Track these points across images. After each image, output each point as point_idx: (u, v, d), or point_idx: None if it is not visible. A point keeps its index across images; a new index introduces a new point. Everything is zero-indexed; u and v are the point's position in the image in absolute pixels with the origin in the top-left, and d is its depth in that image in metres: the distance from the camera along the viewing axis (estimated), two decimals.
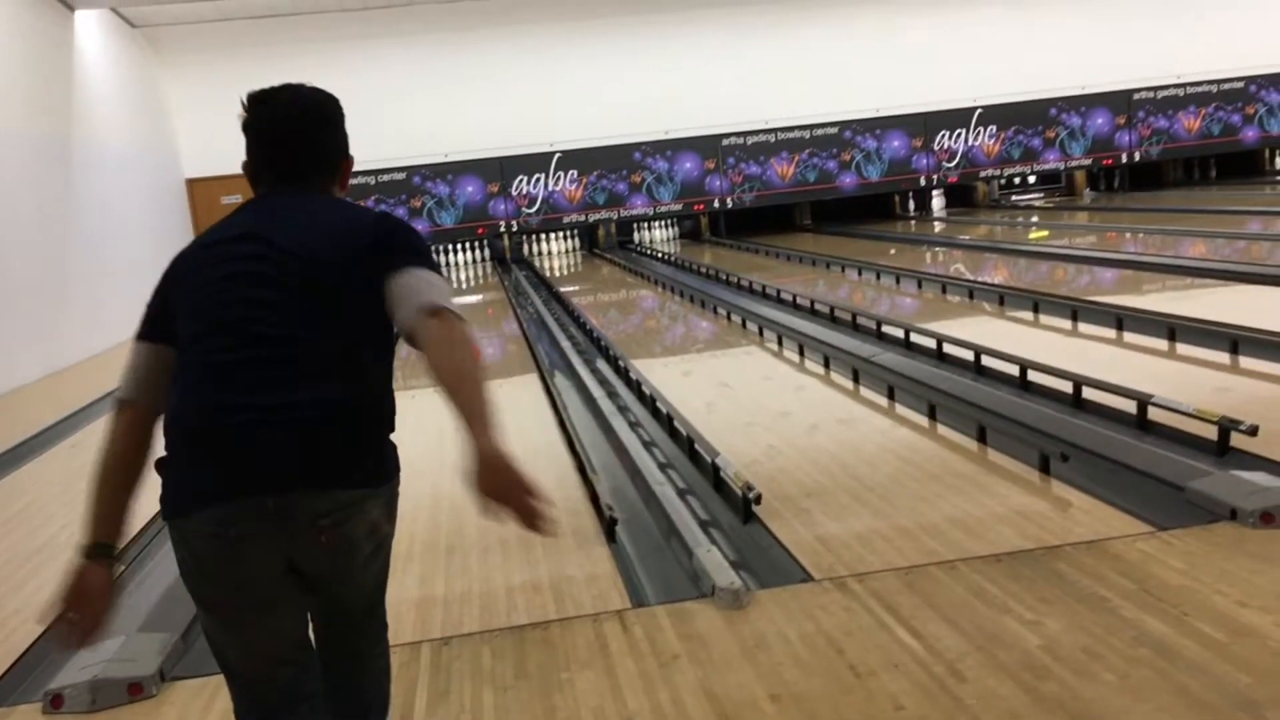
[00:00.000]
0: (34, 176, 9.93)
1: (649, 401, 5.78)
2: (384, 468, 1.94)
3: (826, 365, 6.41)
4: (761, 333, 7.78)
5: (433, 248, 15.97)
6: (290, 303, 1.84)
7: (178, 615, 3.29)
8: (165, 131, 15.00)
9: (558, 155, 15.93)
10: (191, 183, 15.04)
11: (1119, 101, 16.91)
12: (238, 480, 1.76)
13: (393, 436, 1.99)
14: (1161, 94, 16.96)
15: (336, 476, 1.82)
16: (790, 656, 2.76)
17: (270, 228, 1.92)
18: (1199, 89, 17.00)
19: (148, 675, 2.93)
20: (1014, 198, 18.02)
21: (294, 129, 2.02)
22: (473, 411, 1.71)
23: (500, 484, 1.66)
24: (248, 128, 2.02)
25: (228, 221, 1.99)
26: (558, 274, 14.57)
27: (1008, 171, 17.18)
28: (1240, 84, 17.00)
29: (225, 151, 15.39)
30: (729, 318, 8.69)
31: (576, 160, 15.96)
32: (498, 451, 1.67)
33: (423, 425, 6.27)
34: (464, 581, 3.55)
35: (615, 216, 16.38)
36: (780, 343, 7.29)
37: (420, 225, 15.66)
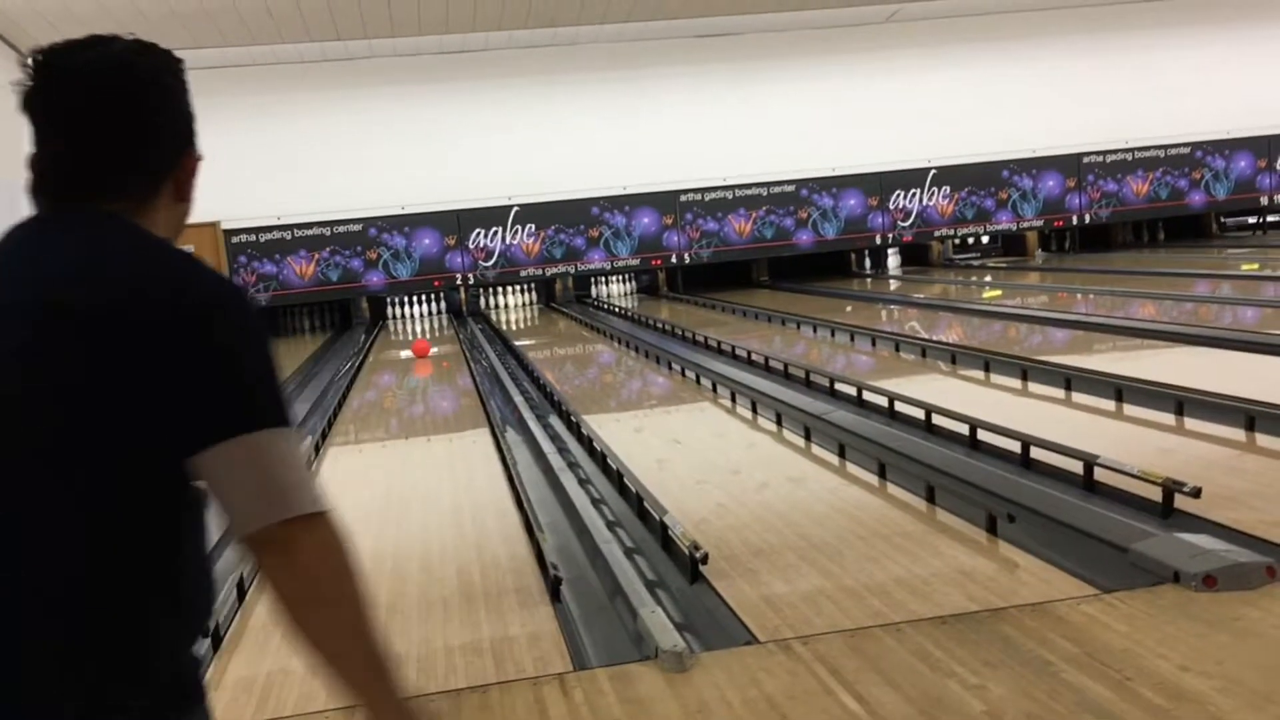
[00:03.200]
0: None
1: (599, 458, 5.74)
2: None
3: (779, 422, 6.40)
4: (715, 389, 7.77)
5: (389, 300, 16.13)
6: None
7: None
8: None
9: (515, 209, 15.95)
10: None
11: (1069, 165, 17.21)
12: None
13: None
14: (1110, 158, 17.28)
15: None
16: None
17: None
18: (1147, 154, 17.35)
19: None
20: (955, 256, 18.19)
21: (86, 111, 1.30)
22: (361, 683, 1.24)
23: None
24: (27, 104, 1.32)
25: None
26: (514, 328, 14.54)
27: (961, 231, 17.40)
28: (1186, 149, 17.37)
29: None
30: (683, 373, 8.69)
31: (534, 214, 15.98)
32: None
33: (366, 482, 6.20)
34: (403, 642, 3.47)
35: (573, 271, 16.39)
36: (733, 399, 7.28)
37: (376, 277, 15.59)
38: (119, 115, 1.31)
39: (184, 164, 1.38)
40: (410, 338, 14.09)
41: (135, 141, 1.32)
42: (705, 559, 3.79)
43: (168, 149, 1.36)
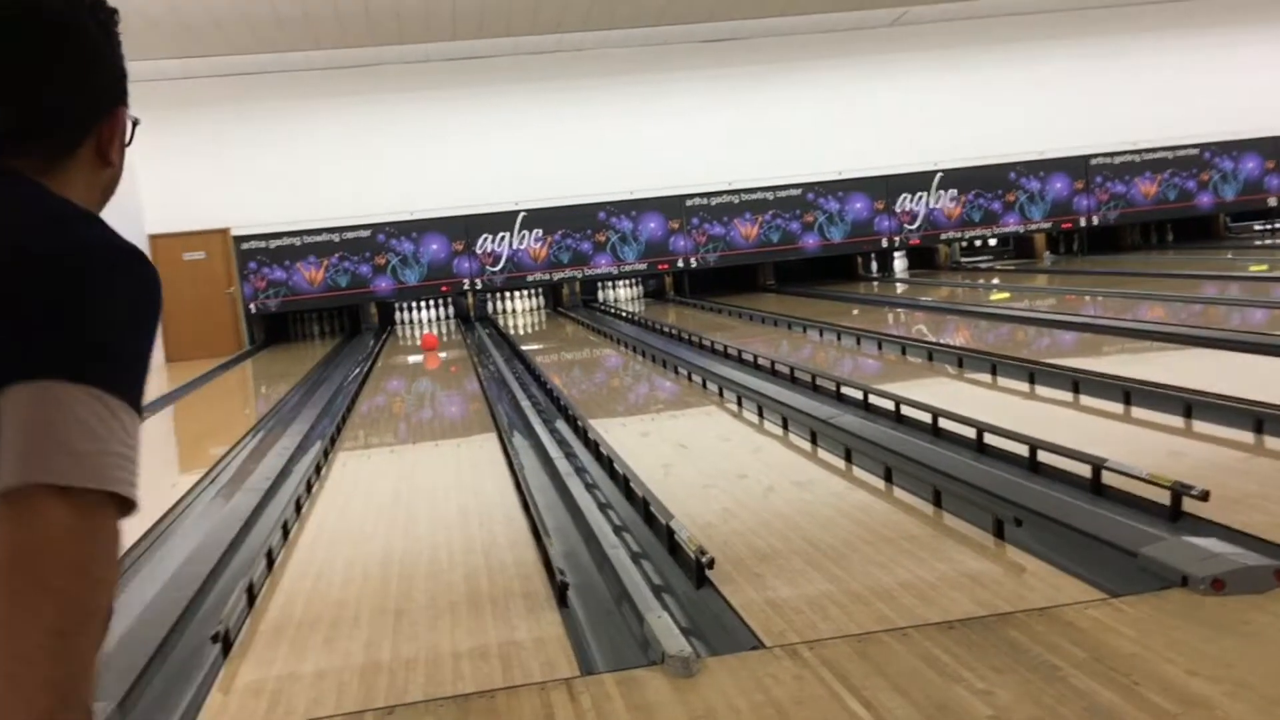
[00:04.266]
0: None
1: (606, 463, 5.74)
2: None
3: (785, 426, 6.40)
4: (721, 393, 7.77)
5: (397, 305, 16.17)
6: None
7: (112, 685, 3.20)
8: (129, 186, 14.92)
9: (522, 214, 15.97)
10: (154, 239, 14.89)
11: (1077, 167, 17.19)
12: None
13: None
14: (1118, 160, 17.26)
15: None
16: None
17: None
18: (1155, 155, 17.32)
19: None
20: (962, 259, 18.15)
21: None
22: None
23: None
24: None
25: None
26: (521, 332, 14.56)
27: (969, 234, 17.38)
28: (1195, 151, 17.34)
29: (189, 204, 15.17)
30: (689, 378, 8.68)
31: (541, 219, 16.01)
32: None
33: (375, 486, 6.21)
34: (411, 647, 3.47)
35: (580, 275, 16.41)
36: (740, 403, 7.28)
37: (384, 283, 15.63)
38: (22, 62, 1.14)
39: (106, 123, 1.22)
40: (418, 343, 14.11)
41: (40, 93, 1.15)
42: (711, 564, 3.79)
43: (83, 104, 1.19)
